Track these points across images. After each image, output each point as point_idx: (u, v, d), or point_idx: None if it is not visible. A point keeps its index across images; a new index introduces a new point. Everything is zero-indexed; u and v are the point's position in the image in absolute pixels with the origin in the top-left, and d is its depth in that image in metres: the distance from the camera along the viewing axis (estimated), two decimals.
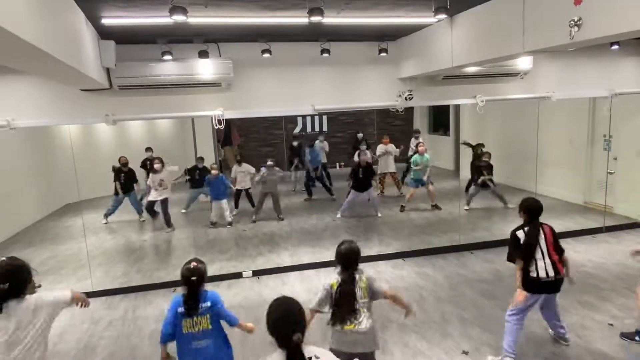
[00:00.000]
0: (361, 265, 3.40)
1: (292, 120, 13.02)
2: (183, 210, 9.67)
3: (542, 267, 3.91)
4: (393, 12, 4.93)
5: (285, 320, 2.13)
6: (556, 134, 9.26)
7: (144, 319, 5.45)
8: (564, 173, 9.48)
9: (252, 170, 9.32)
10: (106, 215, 9.04)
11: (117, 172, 8.81)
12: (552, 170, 9.49)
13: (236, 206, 9.59)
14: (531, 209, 4.08)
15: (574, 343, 4.40)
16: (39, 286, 6.79)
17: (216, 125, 6.04)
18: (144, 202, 9.11)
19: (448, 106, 11.31)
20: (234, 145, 12.10)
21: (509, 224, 8.05)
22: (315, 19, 4.12)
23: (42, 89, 5.62)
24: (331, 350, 3.11)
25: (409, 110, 12.34)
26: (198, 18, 4.50)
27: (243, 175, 9.30)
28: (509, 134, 10.47)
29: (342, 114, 12.98)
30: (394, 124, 13.06)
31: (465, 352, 4.39)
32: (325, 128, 13.48)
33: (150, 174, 8.53)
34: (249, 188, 9.41)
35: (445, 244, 7.26)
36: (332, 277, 3.38)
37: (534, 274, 3.92)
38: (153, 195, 8.49)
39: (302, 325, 2.15)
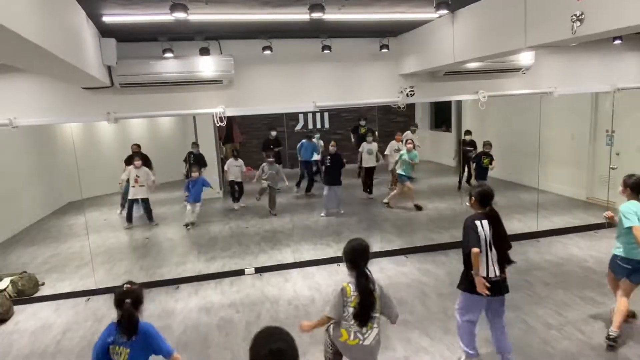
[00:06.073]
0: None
1: (293, 117, 13.03)
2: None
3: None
4: (394, 7, 4.91)
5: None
6: (558, 130, 9.24)
7: (147, 317, 5.35)
8: (567, 169, 9.47)
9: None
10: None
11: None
12: (555, 166, 9.48)
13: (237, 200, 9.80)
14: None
15: (576, 338, 4.41)
16: (42, 284, 6.84)
17: (217, 123, 6.05)
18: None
19: (450, 102, 11.28)
20: (236, 143, 12.10)
21: (510, 221, 8.12)
22: (316, 15, 4.11)
23: (44, 87, 5.62)
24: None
25: (411, 107, 12.32)
26: (199, 15, 4.50)
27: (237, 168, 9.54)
28: (511, 129, 10.45)
29: (343, 111, 12.97)
30: (396, 120, 13.07)
31: None
32: (327, 125, 13.52)
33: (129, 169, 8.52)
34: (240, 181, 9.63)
35: (447, 241, 7.25)
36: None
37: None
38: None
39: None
